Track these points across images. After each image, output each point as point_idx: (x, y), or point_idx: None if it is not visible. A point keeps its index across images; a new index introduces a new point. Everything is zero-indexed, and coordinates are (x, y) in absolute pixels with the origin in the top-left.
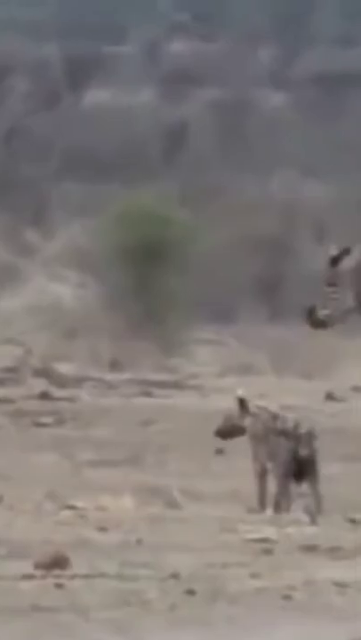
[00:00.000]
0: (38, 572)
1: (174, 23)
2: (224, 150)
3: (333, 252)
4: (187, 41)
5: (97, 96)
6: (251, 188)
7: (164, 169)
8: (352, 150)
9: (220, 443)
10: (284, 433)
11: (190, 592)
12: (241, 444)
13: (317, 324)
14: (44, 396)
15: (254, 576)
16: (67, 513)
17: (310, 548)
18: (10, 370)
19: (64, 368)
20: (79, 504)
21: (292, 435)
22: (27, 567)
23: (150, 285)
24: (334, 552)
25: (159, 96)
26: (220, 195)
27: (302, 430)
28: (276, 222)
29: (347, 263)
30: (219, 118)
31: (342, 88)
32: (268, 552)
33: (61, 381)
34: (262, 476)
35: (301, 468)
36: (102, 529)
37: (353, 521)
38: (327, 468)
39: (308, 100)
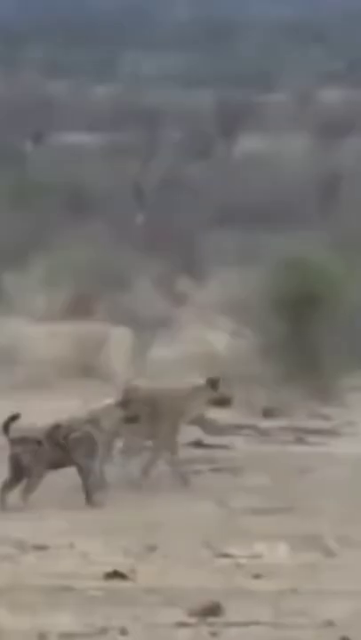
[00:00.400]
0: (192, 620)
1: (327, 71)
2: None
3: None
4: (339, 89)
5: (249, 145)
6: None
7: (318, 218)
8: None
9: None
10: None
11: (345, 639)
12: None
13: None
14: (198, 444)
15: None
16: (222, 561)
17: None
18: None
19: (219, 416)
20: (234, 552)
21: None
22: (181, 615)
23: (305, 333)
24: None
25: (312, 144)
26: None
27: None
28: None
29: None
30: None
31: None
32: None
33: (216, 429)
34: None
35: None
36: (257, 577)
37: None
38: None
39: None
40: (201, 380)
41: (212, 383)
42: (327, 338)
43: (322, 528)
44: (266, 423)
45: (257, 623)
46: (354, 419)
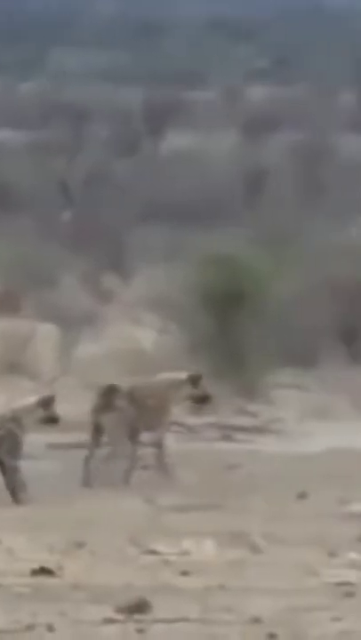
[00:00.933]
0: (119, 617)
1: (254, 69)
2: (303, 195)
3: None
4: (266, 86)
5: (177, 141)
6: (330, 234)
7: (244, 214)
8: None
9: (303, 487)
10: None
11: (272, 636)
12: (323, 488)
13: None
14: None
15: (336, 619)
16: (149, 558)
17: None
18: None
19: None
20: (161, 549)
21: None
22: (108, 612)
23: (231, 330)
24: None
25: (239, 141)
26: (299, 240)
27: None
28: (356, 268)
29: None
30: (298, 163)
31: None
32: (350, 595)
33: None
34: None
35: None
36: (184, 573)
37: None
38: None
39: None
40: (182, 375)
41: (193, 380)
42: (254, 334)
43: (249, 525)
44: (193, 420)
45: (184, 620)
46: (280, 416)
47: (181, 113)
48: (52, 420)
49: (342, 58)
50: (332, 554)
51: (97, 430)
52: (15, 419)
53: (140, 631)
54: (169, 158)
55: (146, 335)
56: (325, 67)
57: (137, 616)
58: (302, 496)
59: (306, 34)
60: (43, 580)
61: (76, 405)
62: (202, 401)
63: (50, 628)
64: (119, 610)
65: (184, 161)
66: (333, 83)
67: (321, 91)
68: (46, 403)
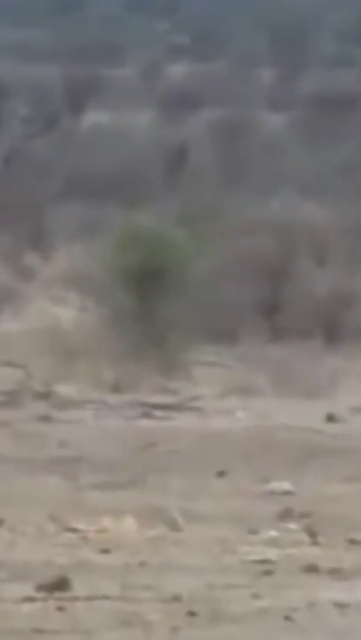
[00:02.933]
0: (39, 595)
1: (173, 45)
2: (224, 171)
3: None
4: (185, 62)
5: (96, 118)
6: (250, 210)
7: (164, 191)
8: (352, 172)
9: (222, 464)
10: None
11: (192, 614)
12: (243, 465)
13: None
14: (45, 418)
15: (255, 597)
16: (68, 535)
17: (311, 569)
18: (10, 393)
19: (65, 390)
20: (81, 526)
21: None
22: (28, 589)
23: (151, 307)
24: (335, 573)
25: (158, 118)
26: (219, 216)
27: None
28: (276, 244)
29: None
30: (218, 139)
31: (341, 109)
32: (268, 573)
33: (62, 404)
34: None
35: None
36: (104, 551)
37: (354, 541)
38: (328, 489)
39: (306, 121)
40: None
41: None
42: (174, 311)
43: (168, 502)
44: (113, 398)
45: (105, 597)
46: (199, 393)
47: (100, 90)
48: None
49: (262, 34)
50: (251, 532)
51: None
52: None
53: (60, 609)
54: (88, 135)
55: (66, 313)
56: (245, 43)
57: (57, 594)
58: (222, 474)
59: (226, 10)
60: None
61: None
62: None
63: None
64: (39, 587)
65: (104, 138)
66: (253, 59)
67: (241, 67)
68: None
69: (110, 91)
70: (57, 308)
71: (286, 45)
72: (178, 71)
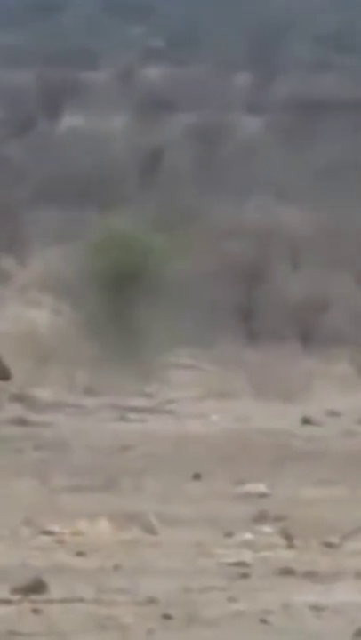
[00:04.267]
0: (15, 597)
1: (149, 48)
2: (199, 175)
3: None
4: (161, 66)
5: (72, 121)
6: (226, 214)
7: (140, 194)
8: (328, 176)
9: (197, 467)
10: None
11: (167, 617)
12: (218, 468)
13: None
14: (21, 421)
15: (231, 600)
16: (43, 538)
17: (286, 572)
18: None
19: (40, 394)
20: (56, 529)
21: None
22: (3, 592)
23: (127, 311)
24: (310, 576)
25: (135, 121)
26: (195, 220)
27: None
28: (252, 247)
29: None
30: (194, 143)
31: (317, 113)
32: (244, 576)
33: (38, 407)
34: None
35: None
36: (79, 554)
37: (329, 544)
38: (303, 492)
39: (282, 125)
40: None
41: None
42: (150, 315)
43: (143, 505)
44: (88, 401)
45: (80, 600)
46: (175, 396)
47: (76, 93)
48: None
49: (238, 38)
50: (227, 534)
51: None
52: None
53: (35, 611)
54: (64, 138)
55: (41, 316)
56: (222, 47)
57: (33, 596)
58: (197, 477)
59: (202, 13)
60: None
61: None
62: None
63: None
64: (15, 590)
65: (80, 141)
66: (230, 63)
67: (217, 71)
68: None
69: (86, 94)
70: (32, 311)
71: (263, 49)
72: (154, 74)
